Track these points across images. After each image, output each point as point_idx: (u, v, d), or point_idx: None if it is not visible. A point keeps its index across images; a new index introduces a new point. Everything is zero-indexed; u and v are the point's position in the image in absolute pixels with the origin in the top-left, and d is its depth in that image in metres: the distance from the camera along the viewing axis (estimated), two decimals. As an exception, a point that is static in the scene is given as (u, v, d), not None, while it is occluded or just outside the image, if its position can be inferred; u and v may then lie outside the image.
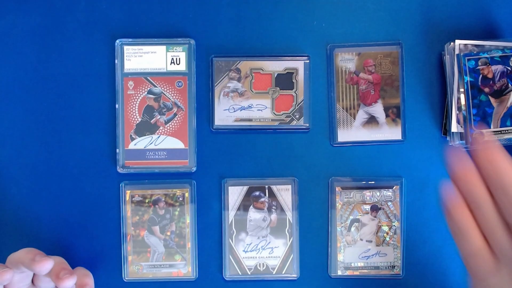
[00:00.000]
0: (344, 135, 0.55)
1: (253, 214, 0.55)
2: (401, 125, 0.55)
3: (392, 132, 0.55)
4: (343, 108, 0.55)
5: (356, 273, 0.55)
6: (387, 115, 0.56)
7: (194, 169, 0.55)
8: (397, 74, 0.55)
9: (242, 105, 0.55)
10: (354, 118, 0.55)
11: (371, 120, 0.55)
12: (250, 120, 0.55)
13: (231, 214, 0.55)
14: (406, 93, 0.55)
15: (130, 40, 0.55)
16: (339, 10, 0.56)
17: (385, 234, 0.55)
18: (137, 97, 0.55)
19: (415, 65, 0.55)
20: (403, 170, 0.55)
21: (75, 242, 0.55)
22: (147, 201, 0.55)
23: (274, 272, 0.55)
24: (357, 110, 0.55)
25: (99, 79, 0.55)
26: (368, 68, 0.55)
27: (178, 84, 0.55)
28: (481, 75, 0.52)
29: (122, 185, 0.55)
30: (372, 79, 0.55)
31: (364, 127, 0.55)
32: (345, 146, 0.55)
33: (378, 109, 0.55)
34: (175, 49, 0.55)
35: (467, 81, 0.52)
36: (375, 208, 0.55)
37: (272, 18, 0.56)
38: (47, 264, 0.43)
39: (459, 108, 0.53)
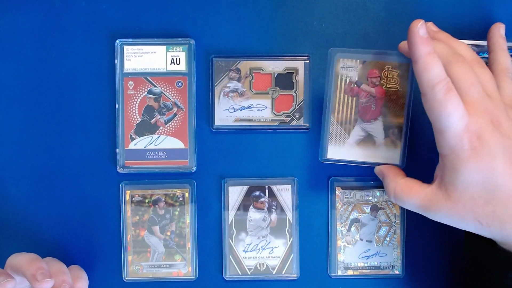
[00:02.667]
0: (335, 152, 0.51)
1: (253, 214, 0.55)
2: (400, 149, 0.51)
3: (389, 155, 0.51)
4: (337, 122, 0.51)
5: (356, 273, 0.55)
6: (386, 135, 0.51)
7: (194, 169, 0.55)
8: (405, 90, 0.50)
9: (242, 105, 0.55)
10: (349, 135, 0.51)
11: (368, 139, 0.51)
12: (250, 120, 0.55)
13: (231, 214, 0.55)
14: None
15: (130, 40, 0.55)
16: (339, 10, 0.56)
17: (385, 234, 0.55)
18: (137, 97, 0.55)
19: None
20: (402, 169, 0.55)
21: (75, 242, 0.55)
22: (147, 201, 0.55)
23: (274, 272, 0.55)
24: (353, 126, 0.51)
25: (99, 79, 0.55)
26: (372, 79, 0.51)
27: (178, 84, 0.55)
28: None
29: (122, 185, 0.55)
30: (374, 93, 0.51)
31: (359, 146, 0.51)
32: (334, 164, 0.53)
33: (377, 127, 0.51)
34: (175, 49, 0.55)
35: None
36: (375, 208, 0.55)
37: (272, 18, 0.56)
38: (47, 285, 0.44)
39: None
